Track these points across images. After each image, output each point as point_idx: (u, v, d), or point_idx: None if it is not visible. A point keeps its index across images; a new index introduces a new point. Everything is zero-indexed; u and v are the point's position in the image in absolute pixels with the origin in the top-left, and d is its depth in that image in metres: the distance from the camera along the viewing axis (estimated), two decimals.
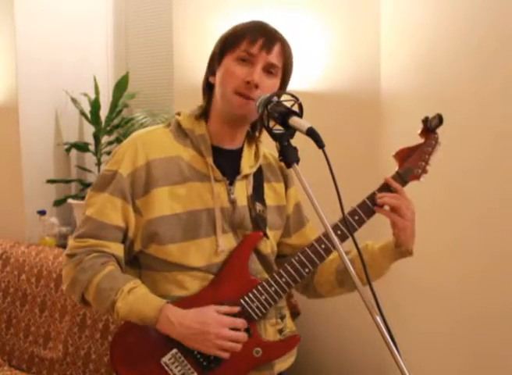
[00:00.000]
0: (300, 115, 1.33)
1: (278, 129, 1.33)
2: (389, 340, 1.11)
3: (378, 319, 1.13)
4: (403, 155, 1.54)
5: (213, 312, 1.41)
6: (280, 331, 1.57)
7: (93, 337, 2.62)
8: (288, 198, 1.65)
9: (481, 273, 2.16)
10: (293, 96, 1.37)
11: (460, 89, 2.17)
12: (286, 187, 1.66)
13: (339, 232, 1.46)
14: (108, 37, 3.75)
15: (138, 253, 1.52)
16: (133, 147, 1.49)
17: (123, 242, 1.50)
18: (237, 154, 1.55)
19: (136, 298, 1.41)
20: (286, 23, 2.67)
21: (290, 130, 1.31)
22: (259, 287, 1.48)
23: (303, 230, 1.68)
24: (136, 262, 1.53)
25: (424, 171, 1.55)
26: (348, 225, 1.42)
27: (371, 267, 1.48)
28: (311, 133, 1.25)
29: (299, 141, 1.31)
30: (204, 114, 1.54)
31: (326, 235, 1.47)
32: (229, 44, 1.49)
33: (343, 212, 1.38)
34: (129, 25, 3.72)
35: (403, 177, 1.53)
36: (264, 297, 1.48)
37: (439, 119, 1.51)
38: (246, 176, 1.54)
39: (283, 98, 1.38)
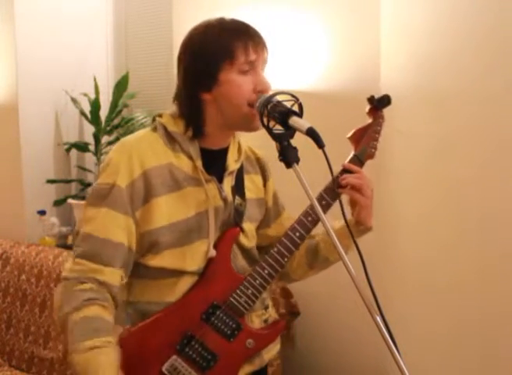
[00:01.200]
0: (300, 115, 1.33)
1: (278, 129, 1.33)
2: (389, 340, 1.11)
3: (378, 319, 1.13)
4: (357, 137, 1.59)
5: None
6: (265, 321, 1.58)
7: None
8: (267, 191, 1.66)
9: (481, 274, 2.16)
10: (293, 96, 1.37)
11: (460, 89, 2.17)
12: (265, 180, 1.66)
13: (309, 218, 1.51)
14: (108, 37, 3.75)
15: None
16: (126, 157, 1.43)
17: (125, 264, 1.44)
18: (224, 152, 1.54)
19: (90, 361, 1.32)
20: (286, 23, 2.67)
21: (290, 130, 1.31)
22: (245, 283, 1.49)
23: (279, 219, 1.69)
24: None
25: (376, 149, 1.61)
26: (349, 227, 1.40)
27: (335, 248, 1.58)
28: (311, 133, 1.25)
29: (299, 141, 1.32)
30: (198, 134, 1.48)
31: (300, 223, 1.51)
32: (221, 58, 1.41)
33: (342, 212, 1.38)
34: (129, 25, 3.72)
35: (360, 159, 1.58)
36: (250, 291, 1.49)
37: (388, 100, 1.56)
38: (231, 172, 1.54)
39: (283, 98, 1.38)
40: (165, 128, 1.48)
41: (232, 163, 1.53)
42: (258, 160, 1.65)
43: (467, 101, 2.16)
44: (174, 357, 1.44)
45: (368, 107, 1.58)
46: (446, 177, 2.21)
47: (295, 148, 1.30)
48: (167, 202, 1.43)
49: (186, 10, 2.97)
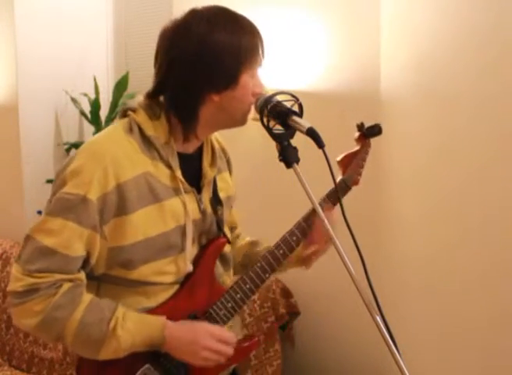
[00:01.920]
0: (300, 115, 1.33)
1: (278, 129, 1.33)
2: (389, 340, 1.11)
3: (378, 319, 1.13)
4: (346, 162, 1.59)
5: (208, 325, 1.42)
6: (230, 327, 1.55)
7: None
8: (232, 185, 1.61)
9: (482, 274, 2.15)
10: (293, 96, 1.37)
11: (460, 89, 2.17)
12: (230, 172, 1.61)
13: (294, 238, 1.51)
14: (108, 37, 3.75)
15: (100, 275, 1.41)
16: (101, 167, 1.30)
17: (83, 268, 1.37)
18: (198, 156, 1.47)
19: (135, 323, 1.35)
20: (286, 23, 2.67)
21: (290, 130, 1.31)
22: (226, 295, 1.47)
23: (231, 210, 1.65)
24: (95, 277, 1.41)
25: (361, 176, 1.62)
26: (348, 227, 1.39)
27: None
28: (311, 133, 1.25)
29: (299, 141, 1.32)
30: (189, 138, 1.40)
31: (284, 241, 1.51)
32: (244, 58, 1.34)
33: (342, 212, 1.38)
34: (129, 25, 3.72)
35: (347, 183, 1.59)
36: (230, 304, 1.47)
37: (379, 130, 1.55)
38: (209, 181, 1.48)
39: (283, 98, 1.38)
40: (140, 130, 1.37)
41: (209, 170, 1.47)
42: (224, 152, 1.59)
43: (468, 101, 2.16)
44: (147, 366, 1.41)
45: (356, 133, 1.57)
46: (447, 177, 2.21)
47: (295, 148, 1.30)
48: (144, 216, 1.34)
49: (186, 10, 2.97)
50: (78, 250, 1.32)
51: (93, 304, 1.34)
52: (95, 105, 3.43)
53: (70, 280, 1.33)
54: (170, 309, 1.41)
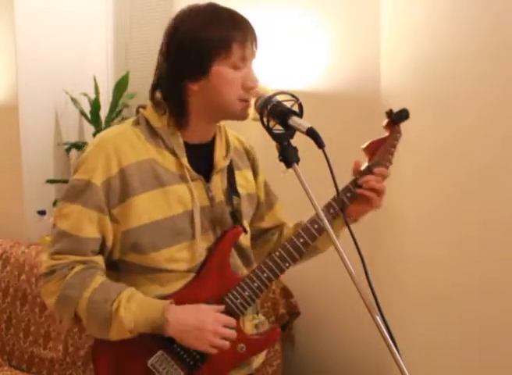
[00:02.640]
0: (300, 115, 1.33)
1: (278, 129, 1.33)
2: (389, 340, 1.11)
3: (378, 319, 1.13)
4: (372, 149, 1.56)
5: (211, 309, 1.42)
6: (256, 326, 1.56)
7: (93, 337, 2.61)
8: (258, 185, 1.63)
9: (482, 275, 2.16)
10: (293, 96, 1.37)
11: (460, 89, 2.17)
12: (255, 173, 1.63)
13: (316, 226, 1.49)
14: (108, 37, 3.75)
15: (117, 260, 1.47)
16: (104, 153, 1.40)
17: (101, 253, 1.45)
18: (209, 147, 1.50)
19: (138, 305, 1.38)
20: (286, 23, 2.67)
21: (290, 130, 1.31)
22: (242, 284, 1.47)
23: (272, 210, 1.68)
24: (113, 266, 1.48)
25: (391, 163, 1.58)
26: (349, 228, 1.38)
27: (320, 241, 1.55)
28: (311, 133, 1.25)
29: (299, 141, 1.32)
30: (181, 125, 1.44)
31: (305, 230, 1.49)
32: (216, 48, 1.37)
33: (343, 212, 1.38)
34: (129, 25, 3.72)
35: (372, 171, 1.54)
36: (247, 293, 1.47)
37: (406, 114, 1.53)
38: (220, 170, 1.51)
39: (283, 98, 1.38)
40: (147, 122, 1.45)
41: (221, 160, 1.50)
42: (247, 152, 1.62)
43: (468, 102, 2.16)
44: (160, 352, 1.43)
45: (385, 121, 1.55)
46: (447, 177, 2.21)
47: (295, 148, 1.30)
48: (147, 200, 1.40)
49: None
50: (89, 232, 1.40)
51: (103, 285, 1.40)
52: (95, 105, 3.43)
53: (84, 262, 1.41)
54: (183, 297, 1.43)
